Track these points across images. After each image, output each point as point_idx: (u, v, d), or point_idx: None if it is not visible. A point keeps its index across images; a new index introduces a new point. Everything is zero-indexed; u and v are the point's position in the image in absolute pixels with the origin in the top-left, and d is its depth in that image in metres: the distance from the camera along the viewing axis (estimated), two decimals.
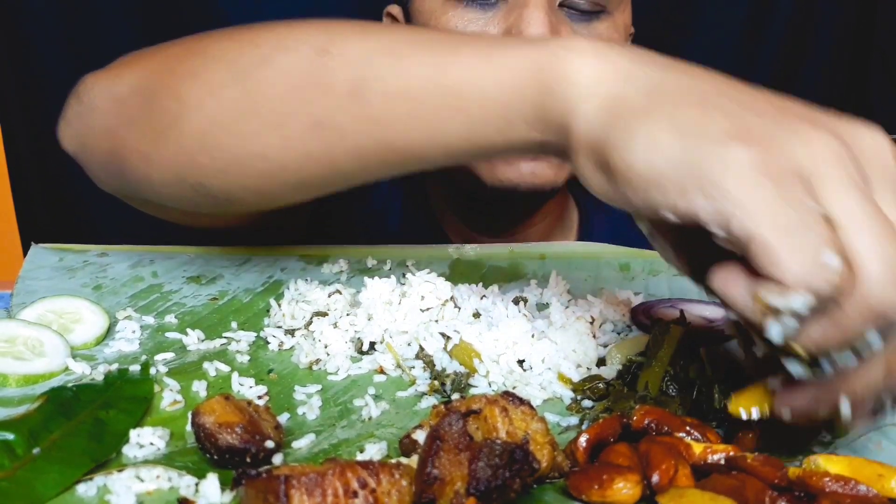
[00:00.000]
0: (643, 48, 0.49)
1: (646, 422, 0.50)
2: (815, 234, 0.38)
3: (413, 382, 0.61)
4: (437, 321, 0.67)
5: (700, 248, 0.44)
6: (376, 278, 0.70)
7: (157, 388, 0.57)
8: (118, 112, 0.63)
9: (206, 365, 0.62)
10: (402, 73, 0.52)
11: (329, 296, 0.71)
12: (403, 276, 0.71)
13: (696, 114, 0.43)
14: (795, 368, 0.42)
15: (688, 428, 0.50)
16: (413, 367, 0.63)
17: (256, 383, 0.60)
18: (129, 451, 0.49)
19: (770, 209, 0.39)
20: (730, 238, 0.40)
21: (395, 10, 0.98)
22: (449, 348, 0.63)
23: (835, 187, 0.40)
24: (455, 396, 0.59)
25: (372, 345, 0.66)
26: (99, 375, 0.59)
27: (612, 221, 1.11)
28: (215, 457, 0.47)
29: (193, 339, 0.66)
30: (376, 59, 0.53)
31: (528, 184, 0.89)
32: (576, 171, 0.47)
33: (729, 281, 0.41)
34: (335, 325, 0.67)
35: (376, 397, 0.59)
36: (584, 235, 1.08)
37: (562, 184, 0.93)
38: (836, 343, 0.40)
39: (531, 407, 0.47)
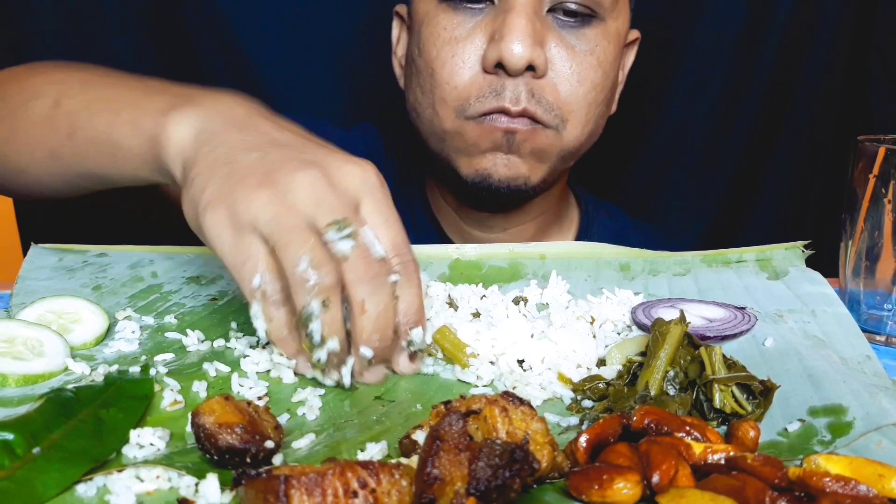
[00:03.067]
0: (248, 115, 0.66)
1: (646, 422, 0.50)
2: (250, 264, 0.57)
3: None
4: (429, 319, 0.68)
5: None
6: None
7: (157, 388, 0.57)
8: None
9: (205, 365, 0.62)
10: (94, 126, 0.73)
11: None
12: None
13: (206, 184, 0.60)
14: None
15: (688, 428, 0.50)
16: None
17: (259, 379, 0.60)
18: (129, 451, 0.49)
19: (227, 251, 0.58)
20: None
21: (402, 9, 1.00)
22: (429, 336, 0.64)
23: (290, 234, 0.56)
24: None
25: None
26: (99, 376, 0.59)
27: (613, 222, 1.11)
28: (215, 457, 0.47)
29: (193, 340, 0.66)
30: (83, 112, 0.75)
31: (500, 174, 0.90)
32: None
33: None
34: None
35: (376, 398, 0.59)
36: (582, 235, 1.08)
37: (538, 183, 0.93)
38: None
39: (531, 407, 0.47)
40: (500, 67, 0.85)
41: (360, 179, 0.59)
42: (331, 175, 0.58)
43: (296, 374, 0.61)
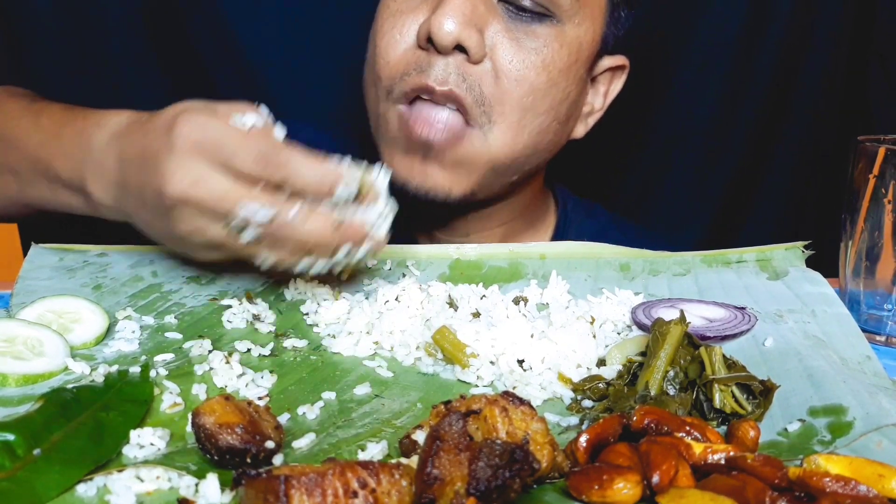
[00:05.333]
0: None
1: (646, 422, 0.50)
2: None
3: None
4: (429, 319, 0.68)
5: None
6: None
7: (156, 391, 0.57)
8: None
9: (206, 367, 0.62)
10: (28, 157, 0.80)
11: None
12: (403, 275, 0.71)
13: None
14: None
15: (688, 428, 0.50)
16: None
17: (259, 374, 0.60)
18: (129, 451, 0.49)
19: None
20: None
21: None
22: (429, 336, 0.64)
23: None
24: None
25: None
26: (99, 376, 0.59)
27: (593, 222, 1.08)
28: (215, 457, 0.47)
29: (202, 350, 0.65)
30: (21, 143, 0.81)
31: (416, 183, 0.86)
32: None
33: None
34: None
35: (377, 397, 0.59)
36: (558, 237, 1.05)
37: (463, 196, 0.88)
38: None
39: (531, 407, 0.47)
40: (431, 43, 0.81)
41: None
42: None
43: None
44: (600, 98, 0.97)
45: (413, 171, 0.85)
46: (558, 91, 0.86)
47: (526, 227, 1.04)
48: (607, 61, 0.94)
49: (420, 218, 0.95)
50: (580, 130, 0.96)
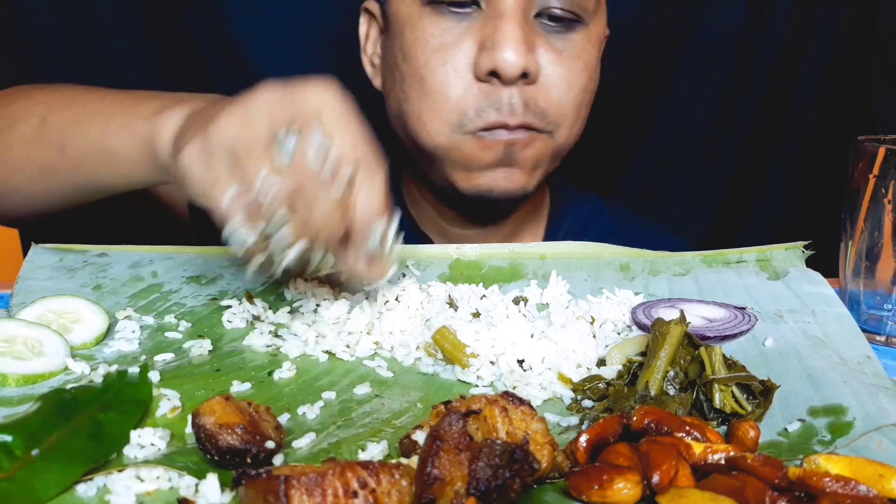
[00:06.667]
0: None
1: (646, 422, 0.50)
2: (221, 183, 0.59)
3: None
4: (429, 319, 0.68)
5: None
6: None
7: (155, 392, 0.57)
8: None
9: (205, 366, 0.62)
10: (85, 138, 0.78)
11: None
12: (403, 275, 0.71)
13: (185, 135, 0.64)
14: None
15: (688, 428, 0.50)
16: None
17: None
18: (129, 451, 0.49)
19: (201, 177, 0.60)
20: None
21: (373, 6, 0.97)
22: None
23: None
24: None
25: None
26: (98, 376, 0.59)
27: (589, 207, 1.10)
28: (216, 457, 0.47)
29: (202, 350, 0.65)
30: (72, 127, 0.79)
31: (501, 188, 0.90)
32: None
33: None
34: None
35: (377, 397, 0.59)
36: (552, 221, 1.07)
37: (533, 188, 0.93)
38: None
39: (531, 407, 0.47)
40: (492, 76, 0.85)
41: (319, 92, 0.61)
42: (292, 92, 0.61)
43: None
44: None
45: (497, 179, 0.90)
46: (594, 82, 0.93)
47: (532, 213, 1.06)
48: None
49: (480, 217, 0.99)
50: None
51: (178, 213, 1.04)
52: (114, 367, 0.60)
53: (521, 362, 0.63)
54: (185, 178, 0.62)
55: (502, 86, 0.85)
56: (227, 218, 0.59)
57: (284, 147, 0.58)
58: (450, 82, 0.86)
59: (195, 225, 1.03)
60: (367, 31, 1.00)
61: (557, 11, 0.87)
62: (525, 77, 0.85)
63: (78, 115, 0.79)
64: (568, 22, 0.88)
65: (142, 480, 0.46)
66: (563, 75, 0.88)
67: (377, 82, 1.00)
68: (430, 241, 1.01)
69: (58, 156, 0.80)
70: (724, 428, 0.54)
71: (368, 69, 1.01)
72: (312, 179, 0.58)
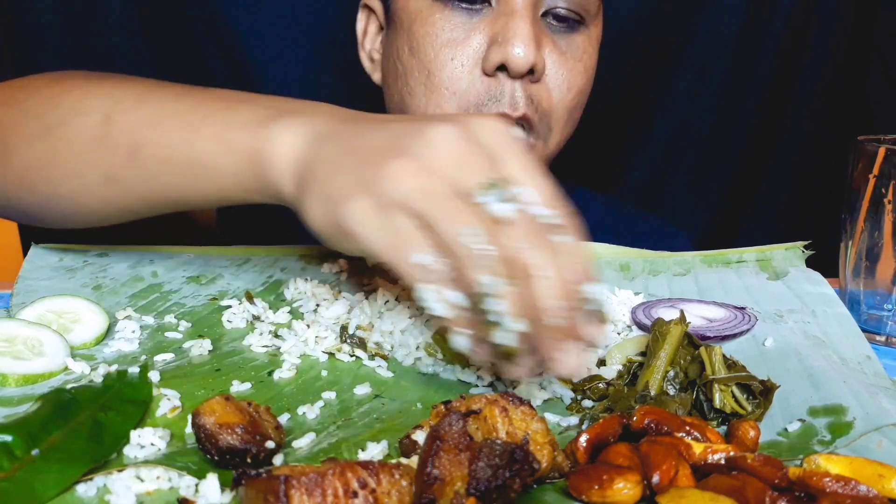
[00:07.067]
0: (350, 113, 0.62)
1: (646, 422, 0.50)
2: (406, 244, 0.51)
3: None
4: (429, 319, 0.68)
5: None
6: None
7: (155, 392, 0.57)
8: None
9: (205, 366, 0.61)
10: (163, 143, 0.66)
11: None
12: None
13: (335, 178, 0.55)
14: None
15: (688, 428, 0.50)
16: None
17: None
18: (129, 451, 0.49)
19: (378, 237, 0.52)
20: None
21: (372, 2, 0.97)
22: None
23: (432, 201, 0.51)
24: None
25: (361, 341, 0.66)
26: (98, 376, 0.59)
27: (576, 198, 1.11)
28: (216, 457, 0.47)
29: (202, 350, 0.65)
30: (146, 129, 0.67)
31: None
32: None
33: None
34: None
35: (377, 397, 0.59)
36: None
37: None
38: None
39: (531, 407, 0.47)
40: (500, 70, 0.85)
41: (499, 133, 0.54)
42: (468, 131, 0.53)
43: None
44: None
45: None
46: (590, 86, 0.93)
47: None
48: None
49: None
50: None
51: (195, 217, 1.04)
52: (114, 367, 0.60)
53: None
54: (356, 235, 0.53)
55: (507, 80, 0.86)
56: (414, 280, 0.52)
57: (496, 211, 0.50)
58: (457, 77, 0.87)
59: (224, 231, 1.02)
60: (366, 27, 1.00)
61: (563, 11, 0.87)
62: (531, 73, 0.85)
63: (152, 115, 0.67)
64: (571, 22, 0.88)
65: (142, 480, 0.46)
66: (564, 76, 0.88)
67: (376, 77, 1.00)
68: None
69: (127, 162, 0.68)
70: (724, 428, 0.54)
71: (367, 64, 1.01)
72: (533, 241, 0.51)
